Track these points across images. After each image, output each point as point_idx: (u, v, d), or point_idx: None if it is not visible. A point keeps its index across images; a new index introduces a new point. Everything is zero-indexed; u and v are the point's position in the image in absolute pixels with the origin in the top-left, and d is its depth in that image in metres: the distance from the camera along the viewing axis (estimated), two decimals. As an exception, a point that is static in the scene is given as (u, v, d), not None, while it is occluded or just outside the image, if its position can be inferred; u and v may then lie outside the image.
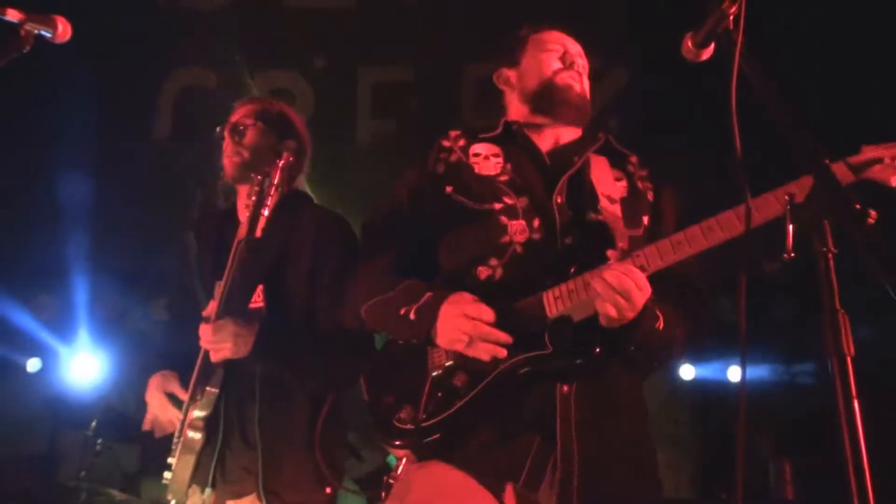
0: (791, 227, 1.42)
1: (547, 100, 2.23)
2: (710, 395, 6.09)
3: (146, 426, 2.65)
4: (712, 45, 1.64)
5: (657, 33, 2.32)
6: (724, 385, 6.00)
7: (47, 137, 6.01)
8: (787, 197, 1.45)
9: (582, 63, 2.30)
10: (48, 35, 1.95)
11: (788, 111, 1.45)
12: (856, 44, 5.21)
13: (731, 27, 1.57)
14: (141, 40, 6.18)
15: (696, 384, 6.09)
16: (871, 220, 1.28)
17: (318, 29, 6.46)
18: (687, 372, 6.02)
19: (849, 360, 1.29)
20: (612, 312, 1.80)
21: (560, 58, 2.28)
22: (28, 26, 1.91)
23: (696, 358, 5.96)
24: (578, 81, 2.25)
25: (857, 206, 1.32)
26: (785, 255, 1.44)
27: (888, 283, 1.24)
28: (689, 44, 1.66)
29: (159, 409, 2.62)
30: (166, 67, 6.46)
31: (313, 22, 6.49)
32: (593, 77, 2.36)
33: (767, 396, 5.96)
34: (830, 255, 1.35)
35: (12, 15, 1.90)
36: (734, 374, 5.95)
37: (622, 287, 1.78)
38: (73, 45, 2.01)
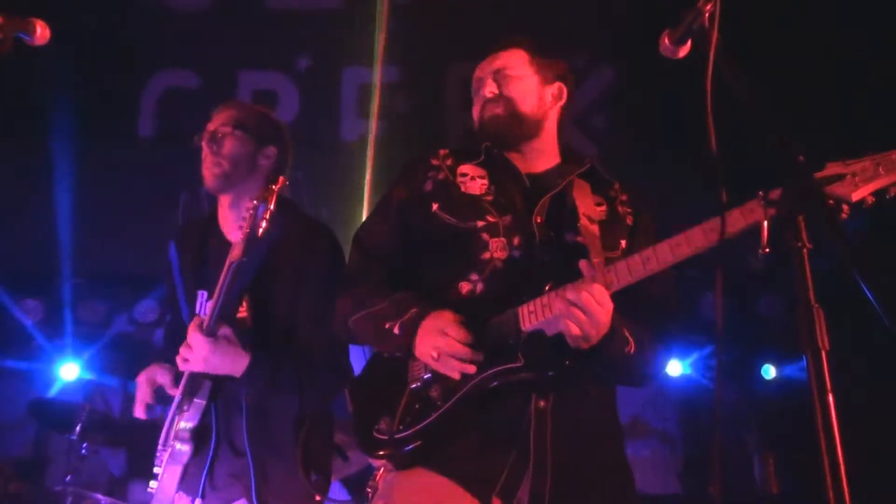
0: (765, 223, 1.43)
1: (486, 137, 2.26)
2: (696, 390, 6.13)
3: (136, 412, 2.64)
4: (689, 43, 1.65)
5: (643, 29, 2.31)
6: (709, 380, 6.03)
7: (32, 139, 5.98)
8: (760, 193, 1.46)
9: (500, 79, 2.26)
10: (27, 38, 1.94)
11: (763, 107, 1.46)
12: (832, 43, 5.25)
13: (707, 24, 1.58)
14: (123, 42, 6.16)
15: (682, 380, 6.12)
16: (843, 215, 1.29)
17: (301, 30, 6.46)
18: (674, 368, 6.05)
19: (823, 354, 1.31)
20: (573, 329, 1.82)
21: (477, 93, 2.31)
22: (6, 30, 1.90)
23: (683, 354, 5.99)
24: (497, 105, 2.24)
25: (831, 202, 1.32)
26: (760, 251, 1.46)
27: (860, 279, 1.26)
28: (667, 41, 1.66)
29: (140, 388, 2.62)
30: (149, 69, 6.43)
31: (297, 23, 6.48)
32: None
33: (753, 391, 6.01)
34: (805, 251, 1.36)
35: None
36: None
37: (580, 301, 1.81)
38: (55, 47, 2.01)
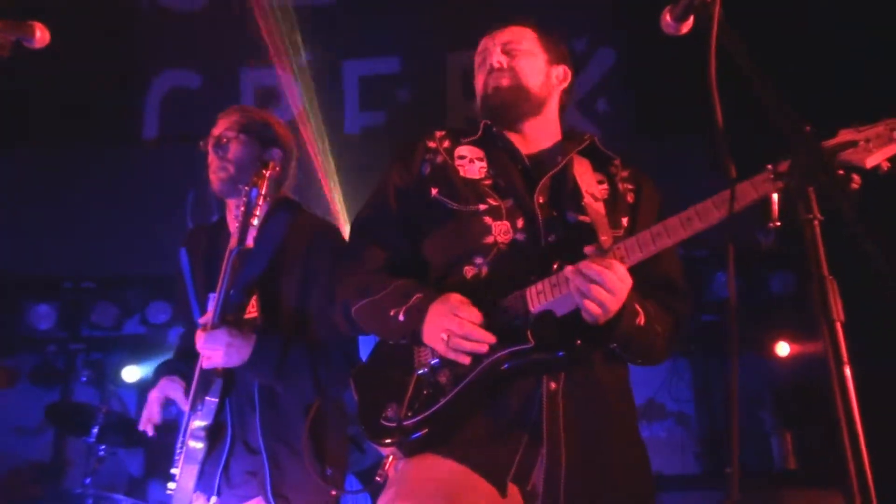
0: (775, 196, 1.41)
1: (488, 112, 2.23)
2: (711, 370, 6.12)
3: (141, 426, 2.66)
4: (691, 19, 1.63)
5: (643, 11, 2.28)
6: (724, 359, 6.01)
7: (39, 145, 6.01)
8: (769, 166, 1.44)
9: (507, 52, 2.24)
10: (26, 42, 1.94)
11: (768, 81, 1.44)
12: (836, 20, 5.20)
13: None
14: (125, 44, 6.17)
15: (697, 361, 6.11)
16: (854, 185, 1.28)
17: (302, 25, 6.45)
18: (687, 348, 6.02)
19: (839, 325, 1.29)
20: (594, 308, 1.80)
21: (482, 65, 2.27)
22: (5, 34, 1.90)
23: (696, 334, 5.98)
24: (503, 76, 2.21)
25: (841, 172, 1.31)
26: (771, 225, 1.45)
27: (874, 251, 1.24)
28: (668, 18, 1.65)
29: (149, 405, 2.64)
30: (151, 71, 6.44)
31: (297, 18, 6.47)
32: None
33: (770, 369, 5.99)
34: (816, 223, 1.35)
35: None
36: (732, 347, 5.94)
37: (601, 278, 1.78)
38: (56, 50, 2.00)
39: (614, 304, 1.82)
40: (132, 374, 6.02)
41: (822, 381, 1.30)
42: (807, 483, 4.69)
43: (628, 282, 1.83)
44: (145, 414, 2.66)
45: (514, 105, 2.20)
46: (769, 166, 1.59)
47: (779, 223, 1.49)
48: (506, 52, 2.24)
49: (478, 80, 2.29)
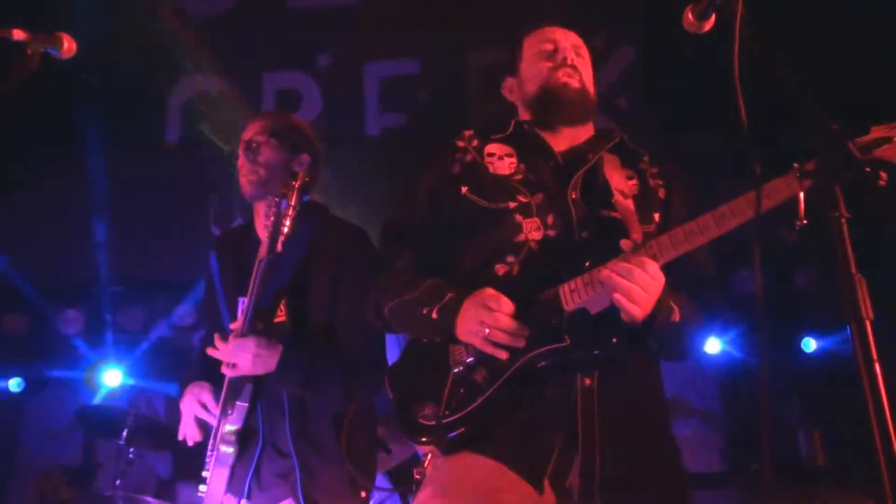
0: (802, 194, 1.41)
1: (546, 103, 2.22)
2: (736, 366, 6.07)
3: (181, 435, 2.70)
4: (713, 16, 1.63)
5: (663, 8, 2.28)
6: (750, 356, 5.97)
7: (64, 152, 6.08)
8: (795, 165, 1.44)
9: (577, 55, 2.26)
10: (54, 52, 1.98)
11: (793, 78, 1.44)
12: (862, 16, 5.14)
13: (731, -4, 1.55)
14: (148, 50, 6.22)
15: (722, 357, 6.06)
16: (882, 182, 1.27)
17: (321, 27, 6.48)
18: (712, 345, 5.99)
19: (868, 323, 1.28)
20: (631, 308, 1.80)
21: (552, 55, 2.25)
22: (35, 45, 1.94)
23: (721, 331, 5.93)
24: (574, 76, 2.22)
25: (868, 169, 1.31)
26: (797, 223, 1.44)
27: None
28: (690, 16, 1.65)
29: (185, 416, 2.67)
30: (174, 76, 6.49)
31: (316, 21, 6.50)
32: (597, 56, 2.34)
33: (794, 364, 5.94)
34: (844, 220, 1.34)
35: (18, 35, 1.92)
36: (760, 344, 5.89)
37: (634, 276, 1.79)
38: (83, 61, 2.03)
39: (648, 304, 1.82)
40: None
41: (851, 377, 1.29)
42: (837, 481, 4.64)
43: (661, 280, 1.83)
44: (185, 430, 2.68)
45: (578, 106, 2.21)
46: (795, 164, 1.58)
47: (805, 221, 1.48)
48: (577, 54, 2.25)
49: (541, 67, 2.26)
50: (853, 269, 1.32)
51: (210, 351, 2.57)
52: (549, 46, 2.26)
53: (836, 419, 5.53)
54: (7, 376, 6.07)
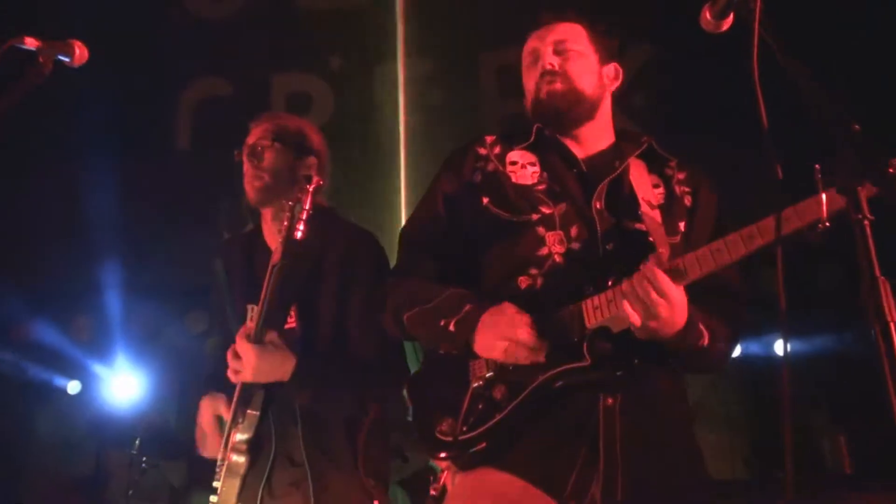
0: (824, 196, 1.39)
1: (540, 115, 2.16)
2: (757, 371, 5.98)
3: (205, 452, 2.63)
4: (731, 15, 1.61)
5: (678, 6, 2.22)
6: (772, 360, 5.88)
7: (74, 158, 6.07)
8: (817, 166, 1.40)
9: (559, 52, 2.15)
10: (66, 60, 1.97)
11: (813, 78, 1.41)
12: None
13: (750, -6, 1.52)
14: (156, 54, 6.22)
15: (742, 361, 5.97)
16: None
17: (331, 29, 6.45)
18: (735, 350, 5.89)
19: (892, 326, 1.25)
20: (636, 321, 1.77)
21: (534, 65, 2.18)
22: (46, 53, 1.94)
23: (744, 335, 5.84)
24: (555, 81, 2.12)
25: (892, 171, 1.29)
26: (819, 225, 1.44)
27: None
28: (708, 15, 1.63)
29: (210, 432, 2.60)
30: (182, 80, 6.48)
31: (326, 23, 6.48)
32: (608, 39, 2.25)
33: (818, 369, 5.85)
34: (867, 223, 1.31)
35: (30, 43, 1.92)
36: (781, 348, 5.81)
37: (653, 302, 1.75)
38: (92, 65, 2.03)
39: (668, 328, 1.78)
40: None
41: (875, 381, 1.26)
42: (865, 488, 4.56)
43: (683, 303, 1.79)
44: (210, 447, 2.60)
45: (568, 110, 2.13)
46: (817, 166, 1.52)
47: (828, 224, 1.46)
48: (557, 53, 2.16)
49: (528, 81, 2.21)
50: (877, 272, 1.29)
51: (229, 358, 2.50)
52: (529, 58, 2.21)
53: (862, 425, 5.45)
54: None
